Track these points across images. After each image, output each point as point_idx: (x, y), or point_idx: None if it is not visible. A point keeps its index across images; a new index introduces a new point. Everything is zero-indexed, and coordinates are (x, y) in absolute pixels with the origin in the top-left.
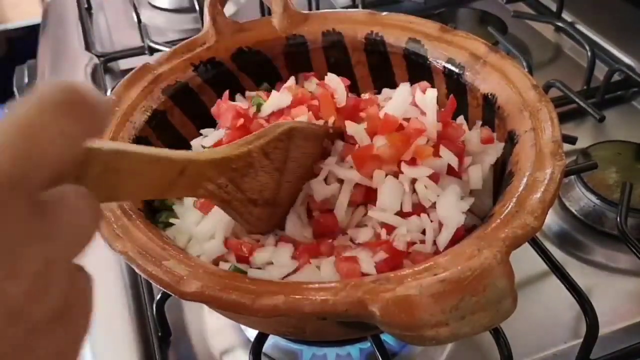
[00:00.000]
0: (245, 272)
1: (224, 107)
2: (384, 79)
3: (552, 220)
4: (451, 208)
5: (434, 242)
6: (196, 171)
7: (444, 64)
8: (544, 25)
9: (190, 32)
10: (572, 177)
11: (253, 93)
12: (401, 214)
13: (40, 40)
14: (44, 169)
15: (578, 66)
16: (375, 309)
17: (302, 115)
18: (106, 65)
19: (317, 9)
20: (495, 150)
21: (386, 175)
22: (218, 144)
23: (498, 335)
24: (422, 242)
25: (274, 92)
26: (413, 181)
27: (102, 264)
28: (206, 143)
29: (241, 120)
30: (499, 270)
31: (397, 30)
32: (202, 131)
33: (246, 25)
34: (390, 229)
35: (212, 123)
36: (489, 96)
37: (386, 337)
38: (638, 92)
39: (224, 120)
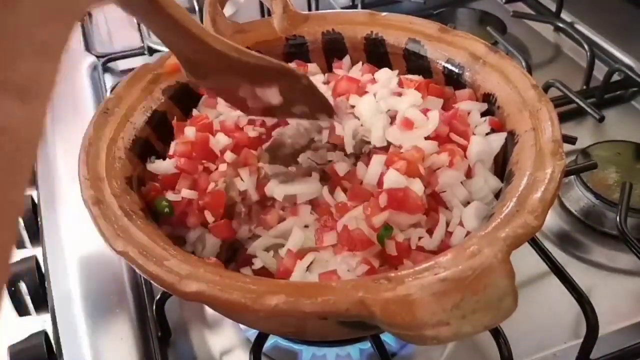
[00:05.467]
0: None
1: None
2: None
3: (552, 220)
4: (473, 213)
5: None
6: None
7: (443, 64)
8: (544, 25)
9: None
10: (572, 177)
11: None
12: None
13: None
14: None
15: (577, 66)
16: (376, 308)
17: None
18: (106, 65)
19: (317, 9)
20: (499, 138)
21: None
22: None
23: (498, 335)
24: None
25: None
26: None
27: (102, 264)
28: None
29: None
30: (499, 269)
31: (397, 30)
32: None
33: (246, 26)
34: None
35: None
36: (489, 96)
37: (386, 337)
38: (638, 92)
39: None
